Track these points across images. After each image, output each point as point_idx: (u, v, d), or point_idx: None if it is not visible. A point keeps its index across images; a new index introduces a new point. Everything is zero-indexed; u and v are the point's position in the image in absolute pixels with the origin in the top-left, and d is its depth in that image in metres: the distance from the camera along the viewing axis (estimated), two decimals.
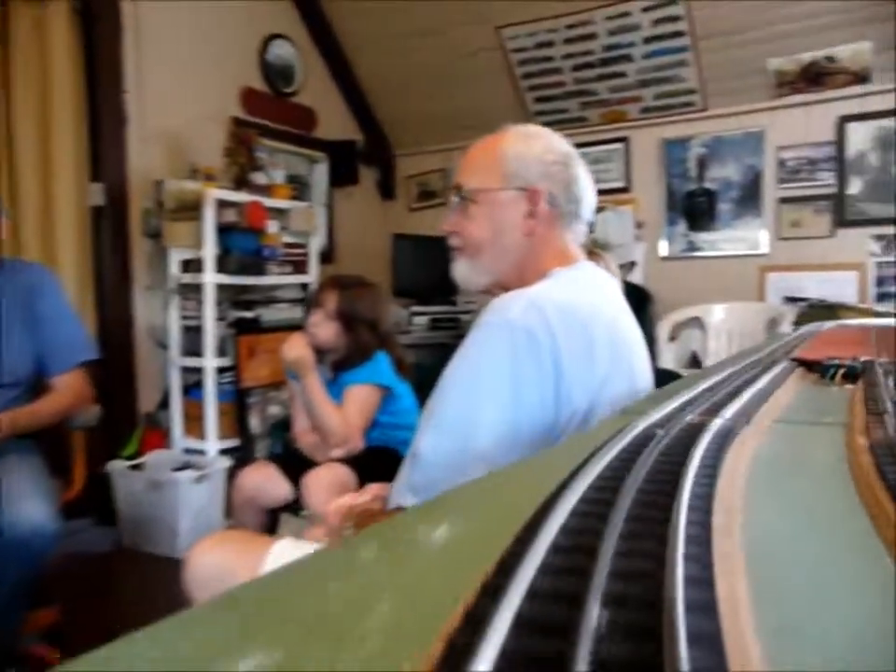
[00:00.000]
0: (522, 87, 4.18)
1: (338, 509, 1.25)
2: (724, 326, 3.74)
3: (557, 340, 0.94)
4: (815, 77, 3.66)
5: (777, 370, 0.69)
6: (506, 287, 1.08)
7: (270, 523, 2.23)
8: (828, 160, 3.71)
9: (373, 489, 1.33)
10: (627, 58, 3.88)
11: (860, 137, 3.65)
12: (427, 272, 3.89)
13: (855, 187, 3.67)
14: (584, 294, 1.07)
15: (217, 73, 3.64)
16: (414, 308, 4.03)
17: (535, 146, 1.14)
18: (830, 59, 3.59)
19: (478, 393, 0.93)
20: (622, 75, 3.97)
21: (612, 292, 1.17)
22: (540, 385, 0.93)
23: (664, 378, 1.26)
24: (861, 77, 3.58)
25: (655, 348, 3.49)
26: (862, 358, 0.74)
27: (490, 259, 1.15)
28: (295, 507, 2.17)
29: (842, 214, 3.69)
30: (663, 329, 3.69)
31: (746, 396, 0.53)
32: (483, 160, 1.15)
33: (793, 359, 0.79)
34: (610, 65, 3.95)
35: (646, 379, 1.14)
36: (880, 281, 3.61)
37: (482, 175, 1.14)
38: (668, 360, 3.61)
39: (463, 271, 1.19)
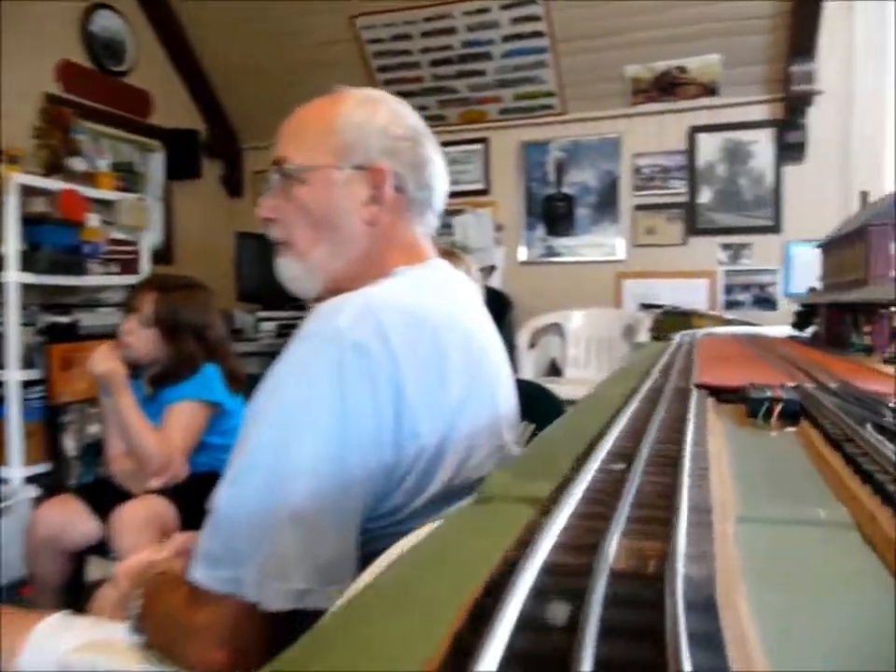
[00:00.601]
0: (378, 80, 3.97)
1: (128, 569, 0.99)
2: (583, 332, 3.70)
3: (398, 356, 0.73)
4: (667, 87, 3.70)
5: (691, 407, 0.51)
6: (341, 290, 0.84)
7: (74, 569, 1.88)
8: (680, 168, 3.76)
9: (178, 541, 1.07)
10: (486, 56, 3.77)
11: (709, 148, 3.72)
12: (274, 274, 3.59)
13: (705, 196, 3.74)
14: (435, 298, 0.86)
15: (29, 40, 3.18)
16: (261, 313, 3.71)
17: (378, 115, 0.91)
18: (682, 69, 3.63)
19: (292, 428, 0.70)
20: (481, 73, 3.85)
21: (470, 297, 0.97)
22: (376, 415, 0.71)
23: (524, 390, 1.09)
24: (710, 90, 3.65)
25: (515, 357, 3.38)
26: (789, 385, 0.58)
27: (322, 256, 0.91)
28: (105, 548, 1.83)
29: (693, 222, 3.75)
30: (522, 337, 3.59)
31: (683, 473, 0.33)
32: (313, 129, 0.92)
33: (700, 386, 0.62)
34: (469, 63, 3.83)
35: (509, 402, 0.95)
36: (728, 289, 3.70)
37: (311, 149, 0.90)
38: (528, 369, 3.52)
39: (291, 272, 0.95)
